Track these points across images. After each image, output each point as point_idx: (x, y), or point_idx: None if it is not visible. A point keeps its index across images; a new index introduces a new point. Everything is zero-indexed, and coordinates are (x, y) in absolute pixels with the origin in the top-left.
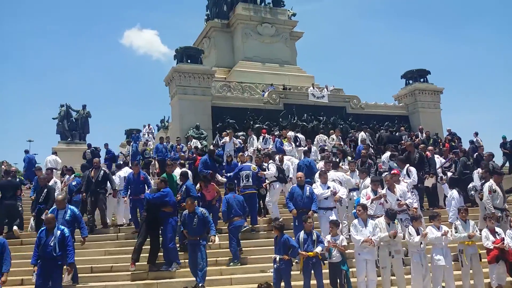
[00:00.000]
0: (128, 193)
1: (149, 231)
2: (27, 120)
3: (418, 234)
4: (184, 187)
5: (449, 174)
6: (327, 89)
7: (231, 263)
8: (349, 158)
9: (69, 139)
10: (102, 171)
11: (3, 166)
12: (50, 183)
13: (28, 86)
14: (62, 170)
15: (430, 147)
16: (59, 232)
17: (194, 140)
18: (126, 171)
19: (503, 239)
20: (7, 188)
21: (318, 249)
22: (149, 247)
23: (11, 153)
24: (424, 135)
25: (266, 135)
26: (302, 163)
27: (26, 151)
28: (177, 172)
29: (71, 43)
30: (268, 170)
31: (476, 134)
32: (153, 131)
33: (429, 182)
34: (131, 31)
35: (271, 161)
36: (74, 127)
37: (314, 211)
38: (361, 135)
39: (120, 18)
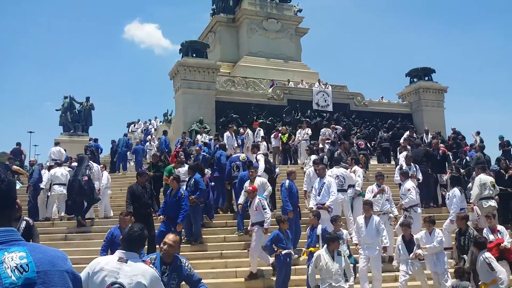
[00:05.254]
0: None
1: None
2: (29, 112)
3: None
4: (193, 180)
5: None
6: (326, 86)
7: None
8: (314, 156)
9: (71, 130)
10: (24, 222)
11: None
12: None
13: (31, 79)
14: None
15: (442, 145)
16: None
17: (204, 135)
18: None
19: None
20: None
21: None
22: None
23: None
24: (430, 136)
25: (258, 128)
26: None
27: None
28: None
29: (74, 37)
30: (258, 161)
31: (478, 133)
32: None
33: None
34: (132, 25)
35: (260, 152)
36: (77, 119)
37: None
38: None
39: (119, 11)
